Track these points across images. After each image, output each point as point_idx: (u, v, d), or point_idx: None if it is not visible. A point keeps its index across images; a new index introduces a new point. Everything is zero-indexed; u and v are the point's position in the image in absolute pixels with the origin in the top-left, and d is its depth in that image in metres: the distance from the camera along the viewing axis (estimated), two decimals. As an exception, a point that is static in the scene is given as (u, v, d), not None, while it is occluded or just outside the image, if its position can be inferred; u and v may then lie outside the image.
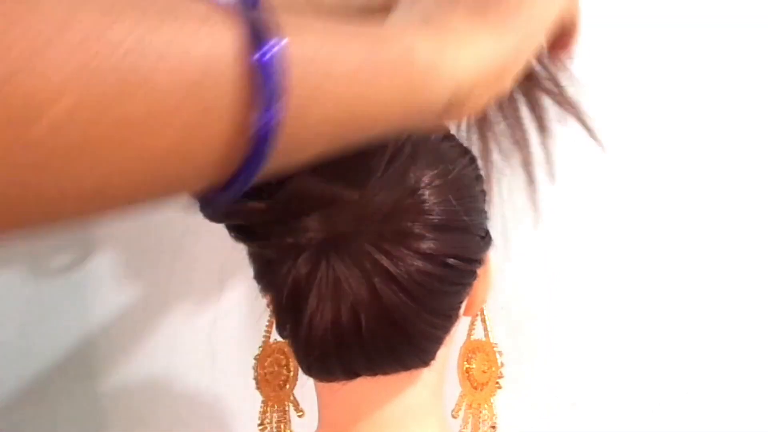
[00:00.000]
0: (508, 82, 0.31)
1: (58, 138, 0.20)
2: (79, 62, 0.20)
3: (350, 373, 0.44)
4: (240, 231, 0.42)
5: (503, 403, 0.51)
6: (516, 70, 0.31)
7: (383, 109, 0.26)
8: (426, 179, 0.41)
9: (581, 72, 0.75)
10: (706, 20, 0.73)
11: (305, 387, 0.51)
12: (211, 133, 0.22)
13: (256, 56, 0.23)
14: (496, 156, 0.47)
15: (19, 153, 0.20)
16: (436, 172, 0.42)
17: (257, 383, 0.53)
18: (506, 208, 0.50)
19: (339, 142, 0.27)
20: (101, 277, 0.78)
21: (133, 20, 0.21)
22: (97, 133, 0.21)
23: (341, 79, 0.25)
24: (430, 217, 0.41)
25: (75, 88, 0.20)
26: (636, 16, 0.74)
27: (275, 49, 0.23)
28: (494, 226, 0.47)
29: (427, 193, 0.41)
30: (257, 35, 0.23)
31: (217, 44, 0.22)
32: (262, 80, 0.22)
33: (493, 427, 0.50)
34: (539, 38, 0.32)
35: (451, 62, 0.28)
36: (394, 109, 0.26)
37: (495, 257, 0.48)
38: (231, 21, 0.23)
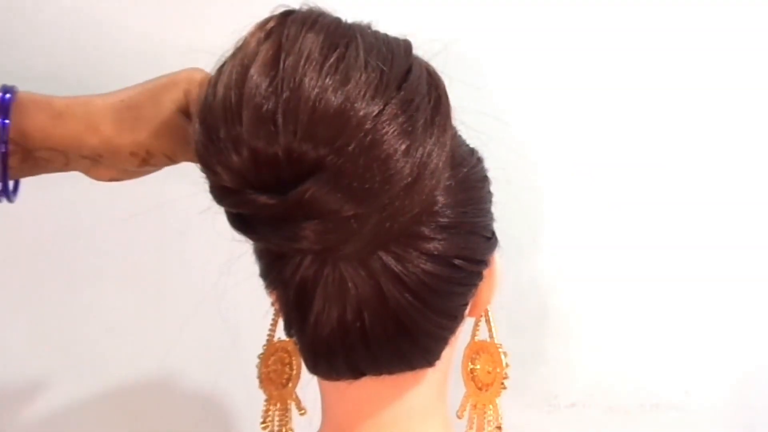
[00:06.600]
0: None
1: None
2: None
3: (356, 372, 0.44)
4: (242, 222, 0.41)
5: (503, 403, 0.51)
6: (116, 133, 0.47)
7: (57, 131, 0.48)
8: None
9: (587, 75, 0.75)
10: (707, 23, 0.73)
11: (308, 385, 0.51)
12: None
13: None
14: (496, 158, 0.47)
15: None
16: (447, 174, 0.41)
17: (260, 381, 0.53)
18: (508, 210, 0.50)
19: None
20: (102, 275, 0.78)
21: None
22: None
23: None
24: (440, 218, 0.41)
25: None
26: (638, 20, 0.74)
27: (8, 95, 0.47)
28: (497, 227, 0.47)
29: (437, 195, 0.41)
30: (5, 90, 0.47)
31: None
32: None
33: (499, 428, 0.50)
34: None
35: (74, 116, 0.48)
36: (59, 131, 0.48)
37: (499, 258, 0.48)
38: None
